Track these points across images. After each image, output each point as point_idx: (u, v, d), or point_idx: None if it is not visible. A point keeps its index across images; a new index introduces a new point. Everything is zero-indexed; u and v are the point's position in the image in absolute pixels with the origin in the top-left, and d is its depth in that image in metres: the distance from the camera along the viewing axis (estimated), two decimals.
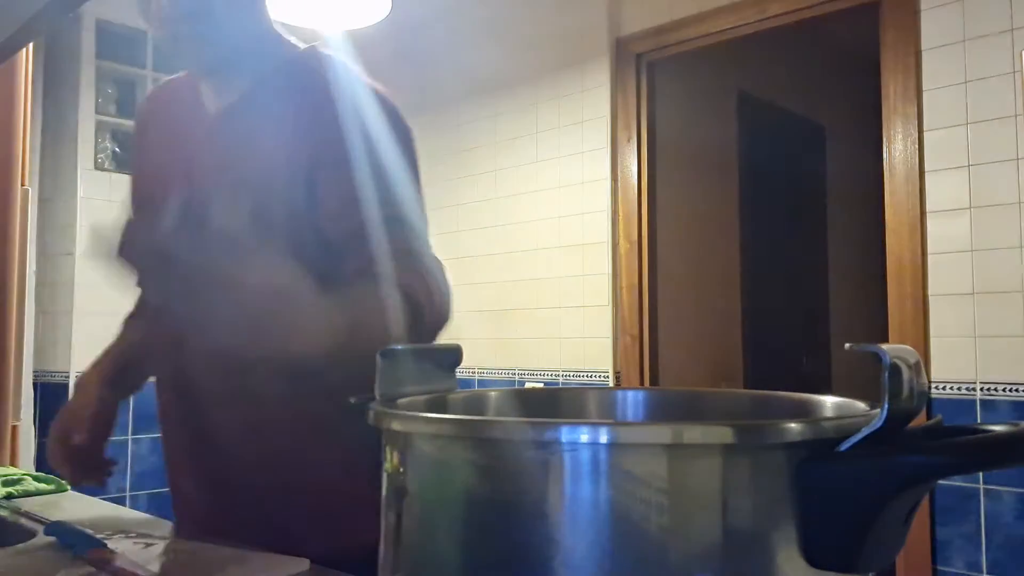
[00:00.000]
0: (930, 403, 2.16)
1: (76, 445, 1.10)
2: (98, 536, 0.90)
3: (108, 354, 1.19)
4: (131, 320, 1.26)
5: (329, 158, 0.98)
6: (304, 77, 1.05)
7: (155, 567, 0.82)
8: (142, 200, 1.19)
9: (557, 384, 3.00)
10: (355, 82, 1.04)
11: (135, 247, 1.06)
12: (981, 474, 2.09)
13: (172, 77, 1.23)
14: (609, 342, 2.90)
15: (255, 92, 1.06)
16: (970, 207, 2.16)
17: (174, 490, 1.16)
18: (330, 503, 1.02)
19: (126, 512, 1.19)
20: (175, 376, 1.11)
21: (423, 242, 1.03)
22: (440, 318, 0.98)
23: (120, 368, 1.16)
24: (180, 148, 1.11)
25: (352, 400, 0.61)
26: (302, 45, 1.11)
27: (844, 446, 0.44)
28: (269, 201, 1.00)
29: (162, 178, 1.12)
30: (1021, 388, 2.05)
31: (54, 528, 0.93)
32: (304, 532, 1.01)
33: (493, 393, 0.72)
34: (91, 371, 1.16)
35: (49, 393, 3.05)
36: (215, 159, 1.07)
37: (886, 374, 0.43)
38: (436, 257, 1.03)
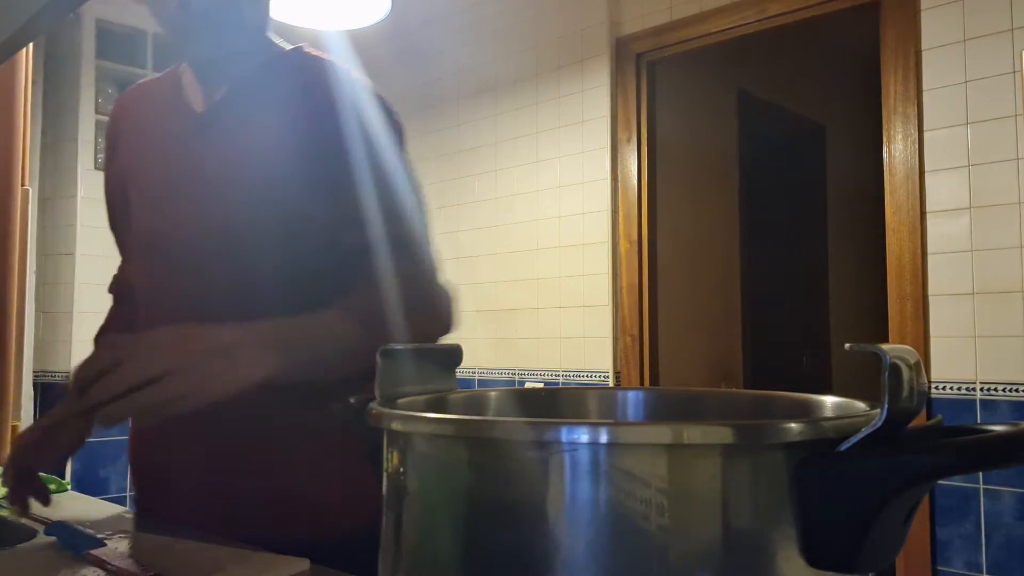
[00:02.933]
0: (930, 403, 2.16)
1: (31, 467, 1.06)
2: (98, 536, 0.90)
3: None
4: (104, 336, 1.21)
5: (334, 164, 0.97)
6: (299, 76, 1.03)
7: (155, 567, 0.82)
8: (122, 199, 1.14)
9: (557, 384, 3.00)
10: (352, 83, 1.03)
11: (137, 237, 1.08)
12: (981, 474, 2.09)
13: (143, 80, 1.21)
14: (609, 342, 2.90)
15: (243, 89, 1.04)
16: (970, 207, 2.16)
17: (146, 475, 1.13)
18: (304, 495, 1.01)
19: (126, 512, 1.19)
20: None
21: (428, 262, 1.02)
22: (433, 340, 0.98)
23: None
24: (163, 146, 1.09)
25: (351, 400, 0.61)
26: (287, 45, 1.09)
27: (844, 446, 0.44)
28: (264, 199, 0.99)
29: (144, 176, 1.10)
30: (1021, 388, 2.05)
31: (54, 528, 0.93)
32: (277, 524, 0.99)
33: (493, 393, 0.72)
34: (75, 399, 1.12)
35: (49, 393, 3.05)
36: (204, 156, 1.04)
37: (886, 374, 0.43)
38: (440, 282, 1.03)
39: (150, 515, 1.10)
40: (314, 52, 1.08)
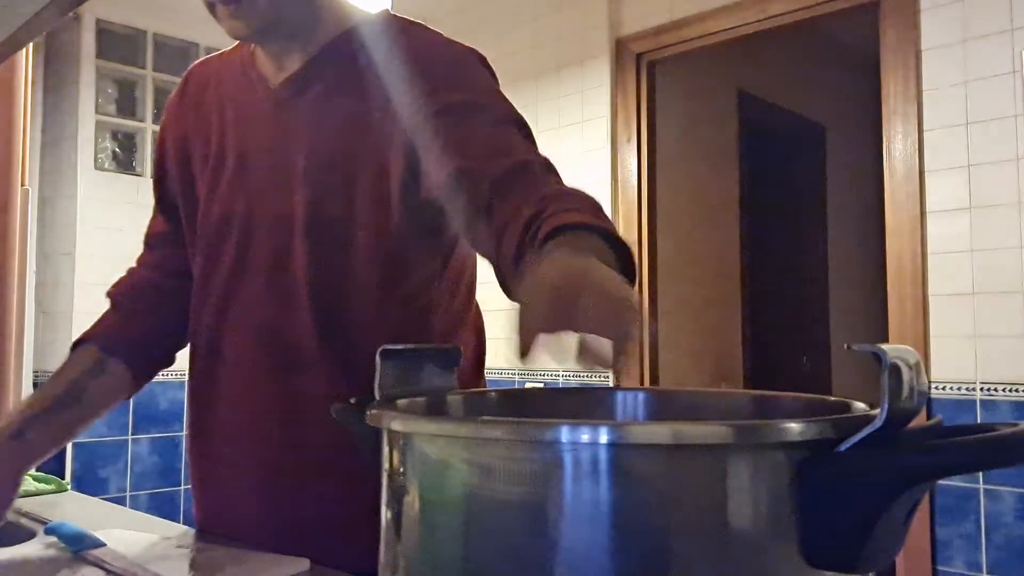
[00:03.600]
0: (930, 403, 2.16)
1: None
2: (98, 536, 0.90)
3: (40, 394, 1.01)
4: (83, 345, 1.05)
5: (439, 132, 0.88)
6: (393, 41, 0.95)
7: (155, 567, 0.82)
8: (181, 175, 1.04)
9: (557, 384, 3.00)
10: (447, 44, 0.99)
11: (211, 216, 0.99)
12: (981, 474, 2.09)
13: (220, 51, 1.11)
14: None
15: (323, 58, 0.95)
16: (970, 207, 2.16)
17: (204, 481, 1.01)
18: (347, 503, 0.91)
19: (126, 512, 1.19)
20: (212, 352, 0.98)
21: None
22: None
23: (50, 408, 0.99)
24: (236, 122, 0.99)
25: (352, 400, 0.61)
26: (370, 12, 1.00)
27: (844, 446, 0.44)
28: (354, 179, 0.91)
29: (211, 153, 1.00)
30: (1021, 388, 2.05)
31: (54, 528, 0.93)
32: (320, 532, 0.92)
33: (493, 393, 0.72)
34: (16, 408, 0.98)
35: None
36: (283, 133, 0.95)
37: (886, 374, 0.43)
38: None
39: (212, 528, 1.00)
40: (402, 17, 1.00)
